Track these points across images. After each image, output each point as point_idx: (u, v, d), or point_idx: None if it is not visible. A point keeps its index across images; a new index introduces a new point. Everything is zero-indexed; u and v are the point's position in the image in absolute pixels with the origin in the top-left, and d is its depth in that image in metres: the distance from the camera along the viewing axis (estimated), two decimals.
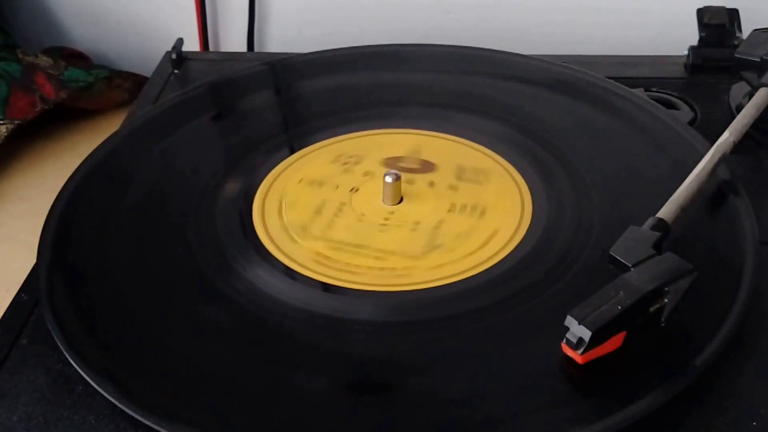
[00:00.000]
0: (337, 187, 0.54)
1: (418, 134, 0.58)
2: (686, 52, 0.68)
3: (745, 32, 0.64)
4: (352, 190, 0.53)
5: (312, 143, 0.58)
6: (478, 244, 0.49)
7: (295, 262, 0.48)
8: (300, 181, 0.54)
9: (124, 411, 0.39)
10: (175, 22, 0.83)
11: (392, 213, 0.51)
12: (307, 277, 0.47)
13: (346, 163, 0.56)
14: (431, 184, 0.54)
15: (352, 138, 0.58)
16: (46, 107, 0.73)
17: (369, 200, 0.52)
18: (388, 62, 0.66)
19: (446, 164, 0.55)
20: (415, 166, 0.55)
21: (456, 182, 0.54)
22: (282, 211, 0.52)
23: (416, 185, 0.53)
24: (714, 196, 0.50)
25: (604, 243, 0.44)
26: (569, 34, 0.80)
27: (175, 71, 0.70)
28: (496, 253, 0.48)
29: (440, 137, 0.58)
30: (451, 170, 0.55)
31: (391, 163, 0.55)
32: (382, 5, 0.81)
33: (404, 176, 0.53)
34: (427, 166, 0.55)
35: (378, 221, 0.51)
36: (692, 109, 0.62)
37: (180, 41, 0.71)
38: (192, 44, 0.82)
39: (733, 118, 0.54)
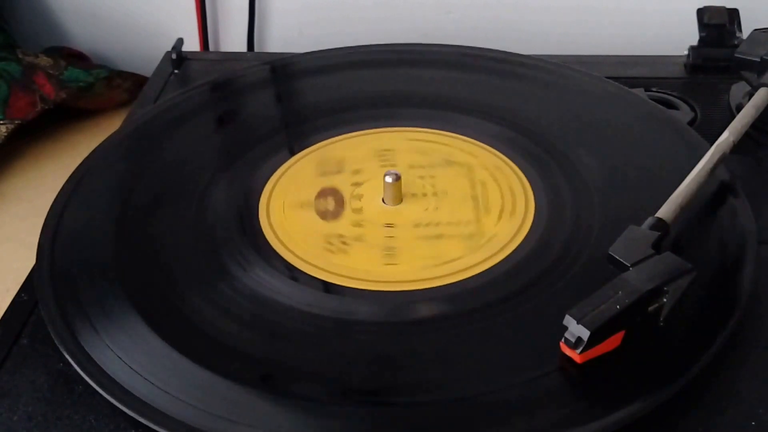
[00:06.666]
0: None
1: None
2: (686, 52, 0.68)
3: (745, 32, 0.64)
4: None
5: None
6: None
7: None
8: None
9: (124, 411, 0.39)
10: (175, 22, 0.83)
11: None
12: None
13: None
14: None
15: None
16: (46, 107, 0.73)
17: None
18: (388, 62, 0.66)
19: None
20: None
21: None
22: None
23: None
24: (713, 196, 0.50)
25: (604, 243, 0.44)
26: (569, 34, 0.80)
27: (175, 71, 0.70)
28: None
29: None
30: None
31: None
32: (382, 5, 0.81)
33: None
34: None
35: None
36: (692, 109, 0.62)
37: (180, 41, 0.71)
38: (192, 44, 0.82)
39: (733, 118, 0.54)
